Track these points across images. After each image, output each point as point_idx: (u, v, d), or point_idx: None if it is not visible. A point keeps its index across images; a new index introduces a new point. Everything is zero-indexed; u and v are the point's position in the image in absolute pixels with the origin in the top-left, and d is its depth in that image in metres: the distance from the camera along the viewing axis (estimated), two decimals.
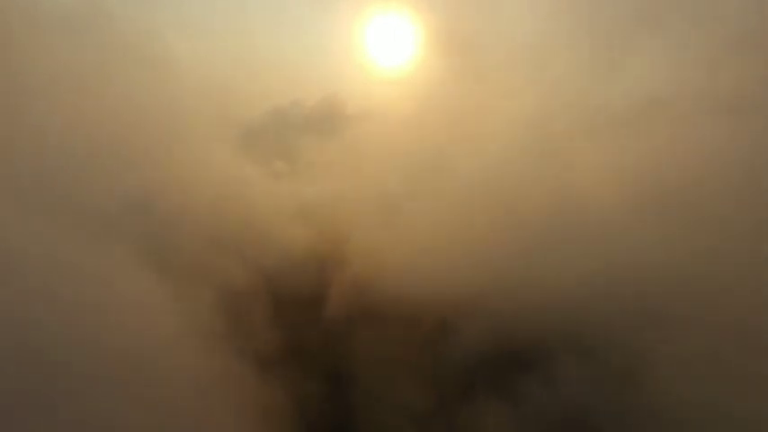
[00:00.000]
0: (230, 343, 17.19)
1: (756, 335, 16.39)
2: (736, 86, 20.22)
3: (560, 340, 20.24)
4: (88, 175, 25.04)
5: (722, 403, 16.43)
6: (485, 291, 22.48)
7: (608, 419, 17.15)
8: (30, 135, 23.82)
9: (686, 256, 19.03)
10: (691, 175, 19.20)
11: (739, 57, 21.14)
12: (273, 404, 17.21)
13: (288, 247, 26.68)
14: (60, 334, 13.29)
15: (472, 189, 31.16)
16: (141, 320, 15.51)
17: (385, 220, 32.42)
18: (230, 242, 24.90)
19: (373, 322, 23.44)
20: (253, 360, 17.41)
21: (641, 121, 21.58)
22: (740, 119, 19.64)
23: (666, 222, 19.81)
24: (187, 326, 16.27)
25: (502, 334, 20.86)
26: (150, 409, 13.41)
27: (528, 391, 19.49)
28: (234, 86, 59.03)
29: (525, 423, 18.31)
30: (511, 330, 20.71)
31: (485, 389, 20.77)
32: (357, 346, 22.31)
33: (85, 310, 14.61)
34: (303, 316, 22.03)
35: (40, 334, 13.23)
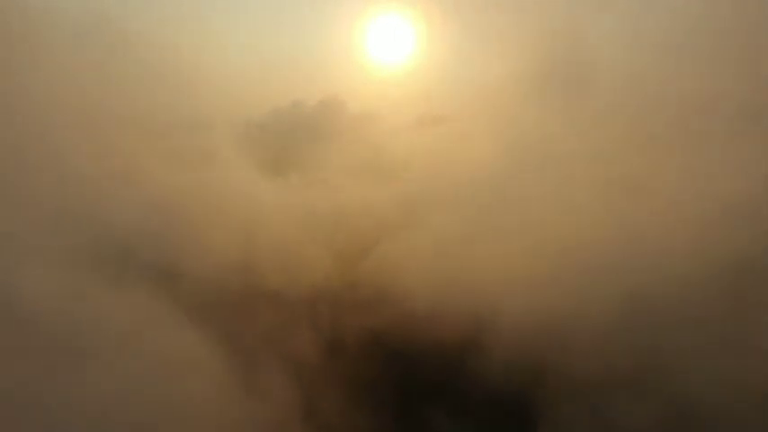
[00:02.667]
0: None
1: None
2: None
3: (606, 372, 18.79)
4: (93, 195, 22.82)
5: None
6: (517, 312, 20.92)
7: None
8: (32, 149, 21.64)
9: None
10: None
11: None
12: None
13: (322, 278, 24.74)
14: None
15: (494, 198, 29.64)
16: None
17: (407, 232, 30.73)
18: (263, 276, 22.80)
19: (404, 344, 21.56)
20: None
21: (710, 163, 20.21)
22: None
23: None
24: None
25: (529, 355, 19.48)
26: None
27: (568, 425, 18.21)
28: (239, 88, 56.86)
29: None
30: (537, 356, 19.37)
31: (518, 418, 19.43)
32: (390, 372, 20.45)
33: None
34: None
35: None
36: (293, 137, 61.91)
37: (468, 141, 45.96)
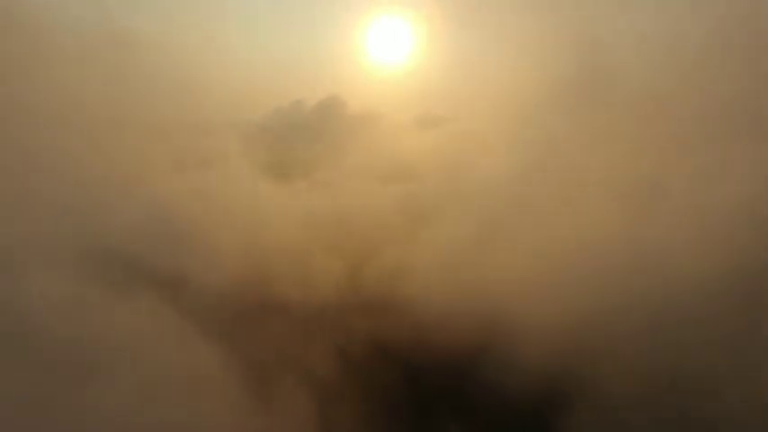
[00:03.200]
0: None
1: None
2: None
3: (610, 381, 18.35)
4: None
5: None
6: (532, 319, 20.41)
7: None
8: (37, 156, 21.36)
9: None
10: None
11: None
12: None
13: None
14: None
15: (502, 201, 28.85)
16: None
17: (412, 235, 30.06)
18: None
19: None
20: None
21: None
22: None
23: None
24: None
25: (544, 363, 19.06)
26: None
27: None
28: (241, 90, 56.60)
29: None
30: (552, 363, 18.97)
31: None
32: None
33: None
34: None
35: None
36: (298, 138, 61.66)
37: (472, 142, 45.75)
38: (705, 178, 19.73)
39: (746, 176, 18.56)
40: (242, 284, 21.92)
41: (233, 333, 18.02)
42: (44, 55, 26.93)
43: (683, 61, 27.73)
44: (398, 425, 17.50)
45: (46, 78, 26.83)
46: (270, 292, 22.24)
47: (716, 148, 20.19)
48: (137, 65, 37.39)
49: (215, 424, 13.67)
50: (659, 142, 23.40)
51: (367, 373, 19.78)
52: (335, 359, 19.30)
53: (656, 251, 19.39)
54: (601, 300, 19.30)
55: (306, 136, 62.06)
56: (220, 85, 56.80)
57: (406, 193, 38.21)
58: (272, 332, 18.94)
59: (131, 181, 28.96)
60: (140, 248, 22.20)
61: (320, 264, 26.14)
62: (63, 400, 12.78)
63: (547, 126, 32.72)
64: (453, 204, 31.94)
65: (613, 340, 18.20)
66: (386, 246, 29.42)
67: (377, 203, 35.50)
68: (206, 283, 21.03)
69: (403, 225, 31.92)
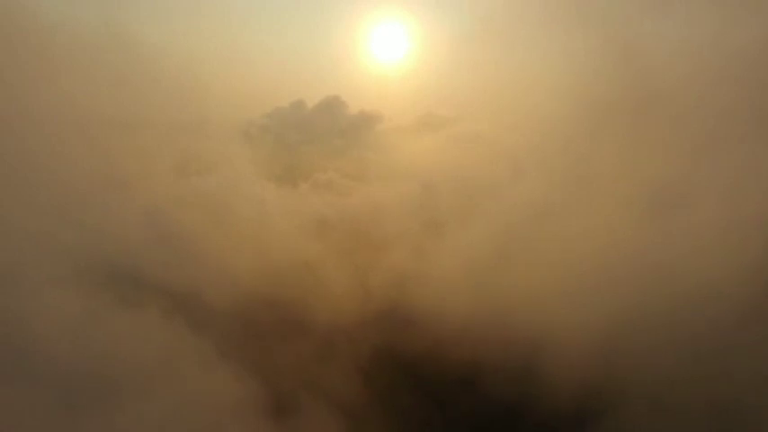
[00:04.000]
0: None
1: None
2: None
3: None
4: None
5: None
6: (534, 335, 19.80)
7: None
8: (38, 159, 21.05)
9: None
10: None
11: None
12: None
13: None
14: None
15: (513, 211, 28.05)
16: None
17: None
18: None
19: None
20: None
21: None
22: None
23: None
24: None
25: (573, 376, 18.58)
26: None
27: None
28: (244, 91, 56.16)
29: None
30: (581, 375, 18.45)
31: None
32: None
33: None
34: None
35: None
36: (299, 138, 61.42)
37: (474, 143, 45.34)
38: (729, 186, 19.19)
39: None
40: (250, 296, 21.57)
41: (240, 344, 17.63)
42: (45, 56, 26.68)
43: (686, 63, 27.28)
44: None
45: (47, 80, 26.57)
46: (276, 300, 21.81)
47: (738, 157, 19.62)
48: (138, 66, 37.16)
49: None
50: (676, 149, 22.85)
51: (382, 388, 19.40)
52: (350, 372, 18.92)
53: (676, 258, 18.93)
54: (623, 310, 18.86)
55: (307, 136, 61.87)
56: (221, 85, 56.49)
57: (410, 195, 37.74)
58: (281, 343, 18.55)
59: (132, 182, 28.62)
60: (143, 258, 21.76)
61: (329, 272, 25.66)
62: (66, 413, 12.42)
63: (558, 131, 32.13)
64: (460, 207, 31.46)
65: (635, 348, 17.82)
66: (393, 251, 28.76)
67: (382, 205, 35.07)
68: (213, 295, 20.57)
69: (410, 229, 31.36)
